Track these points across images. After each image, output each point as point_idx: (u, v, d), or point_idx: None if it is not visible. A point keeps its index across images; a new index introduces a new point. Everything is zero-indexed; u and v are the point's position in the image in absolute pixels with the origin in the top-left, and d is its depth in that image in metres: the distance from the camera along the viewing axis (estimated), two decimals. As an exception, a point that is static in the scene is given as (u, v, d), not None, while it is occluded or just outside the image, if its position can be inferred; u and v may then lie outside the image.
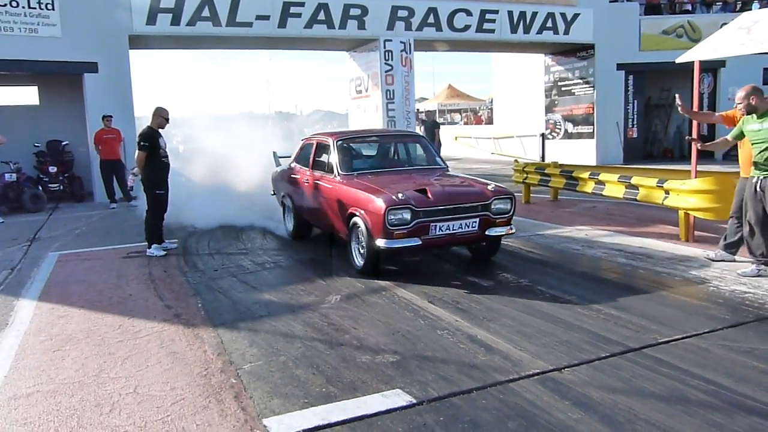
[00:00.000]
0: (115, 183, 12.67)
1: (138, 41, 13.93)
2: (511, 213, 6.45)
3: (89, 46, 13.01)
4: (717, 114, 5.84)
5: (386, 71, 15.56)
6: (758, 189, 5.78)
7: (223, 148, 11.67)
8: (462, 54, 34.09)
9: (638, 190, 8.33)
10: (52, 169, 13.38)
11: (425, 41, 16.45)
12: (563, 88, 19.22)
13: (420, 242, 5.97)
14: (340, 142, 7.48)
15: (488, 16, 16.26)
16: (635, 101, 18.63)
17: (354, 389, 3.76)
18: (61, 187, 13.50)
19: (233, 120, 14.97)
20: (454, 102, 32.78)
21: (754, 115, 5.81)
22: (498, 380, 3.81)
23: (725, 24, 8.24)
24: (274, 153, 9.48)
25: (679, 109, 6.82)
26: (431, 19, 15.77)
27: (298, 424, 3.36)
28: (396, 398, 3.61)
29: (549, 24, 16.94)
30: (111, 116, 12.64)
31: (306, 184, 7.73)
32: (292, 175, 8.37)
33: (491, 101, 27.68)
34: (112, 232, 9.67)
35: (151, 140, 7.48)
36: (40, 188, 12.97)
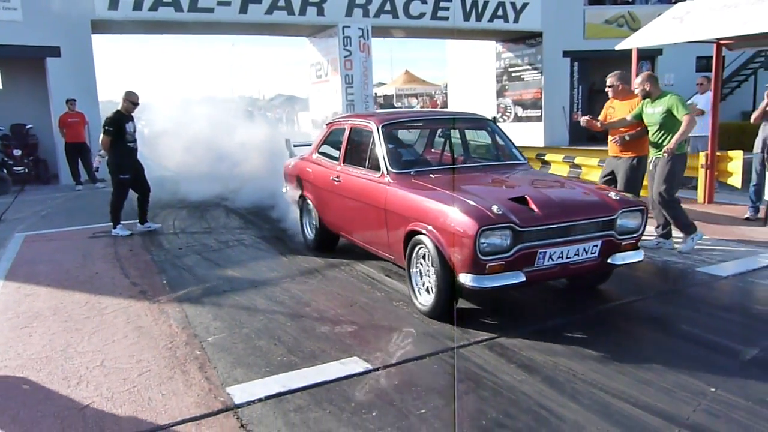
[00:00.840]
0: (81, 165, 12.34)
1: (101, 26, 13.47)
2: (641, 232, 4.43)
3: (51, 31, 12.53)
4: (625, 117, 5.84)
5: (345, 57, 15.44)
6: (651, 167, 6.01)
7: (189, 130, 11.51)
8: (418, 41, 34.12)
9: (581, 168, 8.52)
10: (17, 152, 12.92)
11: (383, 28, 16.35)
12: (513, 74, 19.36)
13: (524, 279, 3.96)
14: (387, 128, 5.33)
15: (442, 4, 16.22)
16: (580, 87, 18.90)
17: (314, 358, 3.79)
18: (26, 170, 13.05)
19: (197, 103, 14.78)
20: (411, 87, 32.75)
21: (649, 100, 5.94)
22: (449, 347, 3.88)
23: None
24: (288, 141, 7.42)
25: (582, 123, 6.62)
26: (388, 7, 15.67)
27: (261, 391, 3.37)
28: (353, 365, 3.65)
29: (500, 12, 17.00)
30: (75, 100, 12.26)
31: (336, 183, 5.64)
32: (315, 171, 6.23)
33: (446, 86, 27.76)
34: (78, 213, 9.43)
35: (116, 125, 7.23)
36: (5, 171, 12.54)
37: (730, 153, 7.91)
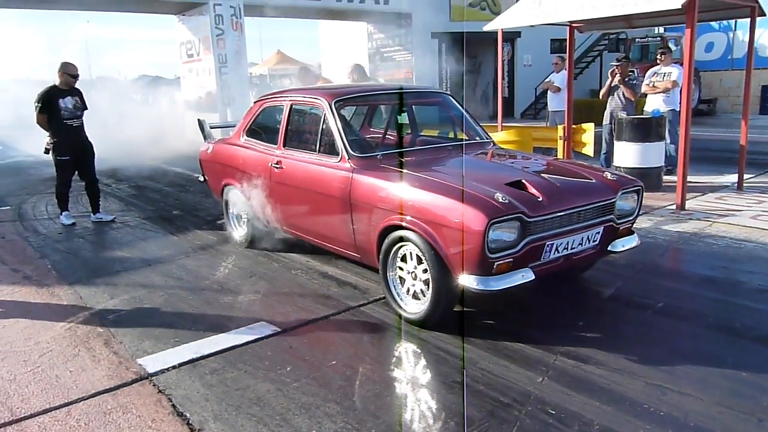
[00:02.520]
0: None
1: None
2: (636, 215, 4.08)
3: None
4: None
5: (218, 35, 15.05)
6: None
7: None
8: (290, 21, 33.64)
9: (455, 143, 9.03)
10: None
11: (255, 6, 16.09)
12: (385, 54, 19.83)
13: (533, 276, 3.44)
14: (341, 104, 4.55)
15: (314, -16, 16.26)
16: (447, 67, 19.75)
17: (221, 326, 3.88)
18: None
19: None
20: (284, 67, 32.28)
21: None
22: (351, 306, 4.13)
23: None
24: (201, 121, 6.25)
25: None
26: (260, -15, 15.46)
27: (173, 359, 3.42)
28: (262, 329, 3.79)
29: (370, -7, 17.34)
30: None
31: (276, 170, 4.82)
32: (245, 156, 5.29)
33: (320, 66, 27.74)
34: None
35: (45, 101, 6.43)
36: None
37: (583, 125, 8.74)
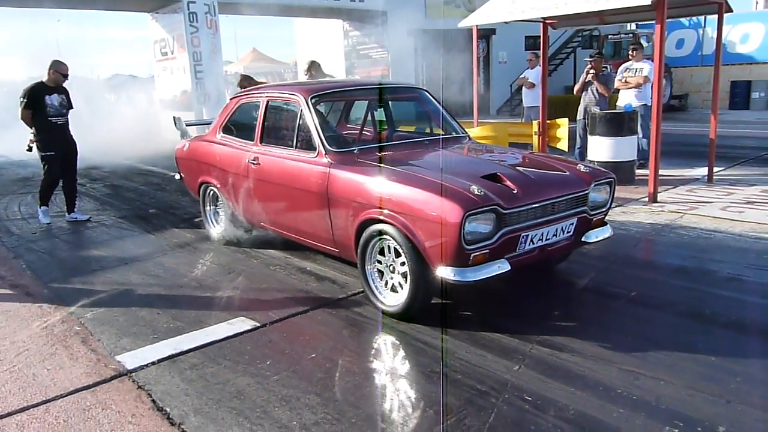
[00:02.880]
0: None
1: None
2: (609, 206, 4.17)
3: None
4: None
5: (192, 33, 14.92)
6: None
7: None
8: (265, 19, 33.46)
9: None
10: None
11: (229, 4, 15.97)
12: (361, 52, 19.83)
13: (509, 267, 3.50)
14: (317, 99, 4.57)
15: (290, -19, 16.20)
16: (423, 64, 19.80)
17: (200, 322, 3.88)
18: None
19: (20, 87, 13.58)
20: (259, 65, 32.17)
21: None
22: (329, 300, 4.16)
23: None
24: (177, 118, 6.20)
25: None
26: (234, -18, 15.36)
27: (152, 355, 3.42)
28: (241, 324, 3.80)
29: (346, -9, 17.33)
30: None
31: (253, 167, 4.82)
32: (222, 153, 5.29)
33: (295, 64, 27.66)
34: None
35: (31, 97, 6.35)
36: None
37: (558, 121, 8.86)
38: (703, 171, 7.85)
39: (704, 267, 4.60)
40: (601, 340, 3.36)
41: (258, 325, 3.78)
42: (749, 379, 2.93)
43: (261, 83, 7.44)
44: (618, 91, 8.84)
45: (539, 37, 9.16)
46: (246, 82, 7.62)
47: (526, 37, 19.89)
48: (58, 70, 6.52)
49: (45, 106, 6.43)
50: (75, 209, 6.92)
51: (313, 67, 7.57)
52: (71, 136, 6.75)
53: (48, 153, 6.56)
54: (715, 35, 7.74)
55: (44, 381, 3.19)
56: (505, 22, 8.19)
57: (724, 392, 2.82)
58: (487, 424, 2.63)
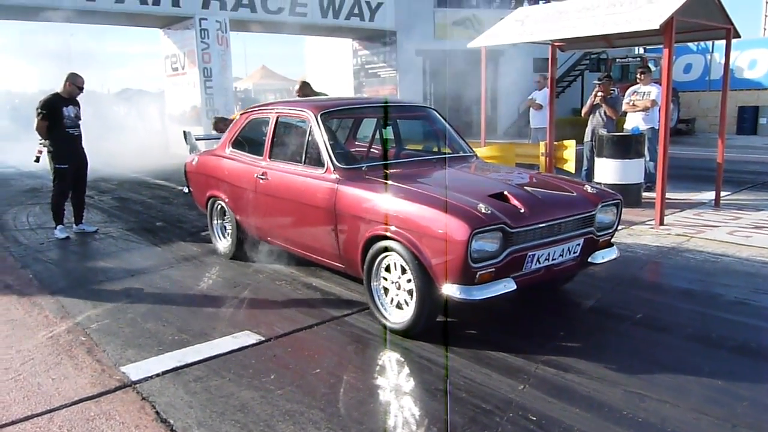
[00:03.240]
0: None
1: None
2: (616, 227, 4.18)
3: None
4: None
5: (203, 49, 15.11)
6: None
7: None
8: (276, 37, 33.83)
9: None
10: None
11: (240, 21, 16.19)
12: (370, 71, 20.01)
13: (515, 286, 3.51)
14: (326, 116, 4.62)
15: (300, 0, 16.41)
16: (432, 84, 19.96)
17: (205, 335, 3.89)
18: None
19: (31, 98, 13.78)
20: (268, 83, 32.51)
21: None
22: (335, 316, 4.16)
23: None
24: (187, 133, 6.33)
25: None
26: (246, 0, 15.57)
27: (156, 367, 3.43)
28: (246, 338, 3.81)
29: (356, 11, 17.51)
30: None
31: (262, 182, 4.84)
32: (231, 168, 5.33)
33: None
34: None
35: (50, 108, 6.38)
36: None
37: (565, 142, 8.90)
38: (710, 195, 7.85)
39: (711, 290, 4.58)
40: (606, 362, 3.35)
41: (263, 339, 3.79)
42: (756, 404, 2.91)
43: (320, 93, 7.71)
44: (626, 114, 8.88)
45: (547, 59, 9.23)
46: (307, 89, 7.73)
47: (534, 59, 20.01)
48: (75, 82, 6.61)
49: (63, 117, 6.48)
50: (83, 221, 6.97)
51: (305, 87, 7.76)
52: (83, 148, 6.81)
53: (62, 166, 6.57)
54: (722, 61, 7.78)
55: (49, 390, 3.20)
56: (514, 44, 8.26)
57: (730, 416, 2.80)
58: (491, 442, 2.62)
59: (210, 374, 3.34)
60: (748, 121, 18.21)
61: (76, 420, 2.90)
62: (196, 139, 6.34)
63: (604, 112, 8.61)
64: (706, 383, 3.12)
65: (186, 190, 6.32)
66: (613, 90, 8.89)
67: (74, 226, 6.92)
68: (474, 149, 5.31)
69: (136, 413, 2.95)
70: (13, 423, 2.90)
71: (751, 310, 4.16)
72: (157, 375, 3.34)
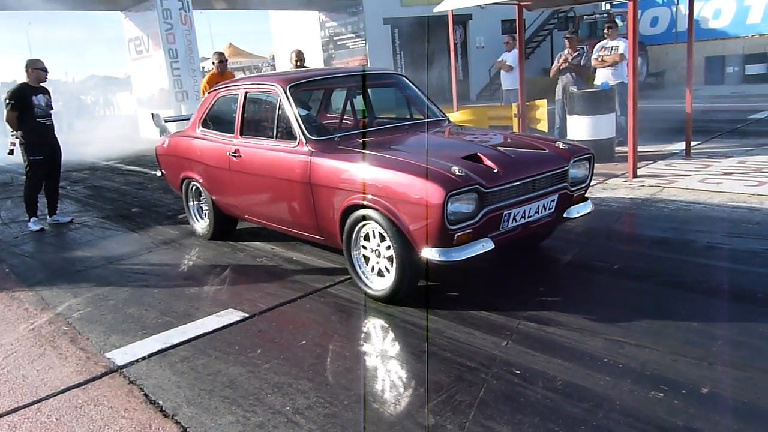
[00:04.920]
0: None
1: None
2: (589, 181, 4.18)
3: None
4: None
5: (167, 30, 14.77)
6: None
7: None
8: (240, 14, 33.09)
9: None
10: None
11: (203, -1, 15.87)
12: (339, 42, 19.74)
13: (493, 245, 3.53)
14: (295, 89, 4.53)
15: (262, -26, 16.09)
16: (402, 52, 19.78)
17: (189, 315, 3.88)
18: None
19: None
20: (237, 60, 31.86)
21: None
22: (317, 288, 4.17)
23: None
24: (155, 115, 6.21)
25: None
26: (207, -23, 15.23)
27: (142, 351, 3.42)
28: (230, 316, 3.81)
29: (320, -18, 17.24)
30: None
31: (235, 159, 4.78)
32: (203, 147, 5.24)
33: (273, 58, 27.49)
34: None
35: (18, 98, 6.19)
36: None
37: (537, 102, 8.91)
38: (680, 145, 7.94)
39: (684, 237, 4.67)
40: (586, 313, 3.42)
41: (247, 315, 3.79)
42: (729, 342, 3.00)
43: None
44: (595, 70, 8.90)
45: (515, 20, 9.18)
46: (302, 56, 7.88)
47: (502, 21, 19.89)
48: (36, 66, 6.40)
49: (33, 106, 6.28)
50: (57, 212, 6.86)
51: (300, 54, 7.71)
52: (56, 137, 6.65)
53: (36, 158, 6.40)
54: (687, 12, 7.80)
55: (34, 381, 3.18)
56: (481, 7, 8.22)
57: (707, 355, 2.88)
58: (477, 398, 2.67)
59: (196, 354, 3.34)
60: (715, 70, 18.33)
61: (64, 408, 2.90)
62: (165, 121, 6.20)
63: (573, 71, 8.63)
64: (683, 326, 3.20)
65: (159, 173, 6.22)
66: (581, 47, 8.89)
67: (48, 217, 6.80)
68: (447, 114, 5.30)
69: (125, 397, 2.95)
70: (0, 416, 2.89)
71: (722, 253, 4.25)
72: (143, 358, 3.34)
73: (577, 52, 8.65)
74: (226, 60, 8.29)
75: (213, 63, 8.11)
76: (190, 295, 4.26)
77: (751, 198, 5.43)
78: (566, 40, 8.64)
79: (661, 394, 2.58)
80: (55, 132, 6.64)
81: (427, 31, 17.54)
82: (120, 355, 3.39)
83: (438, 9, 8.53)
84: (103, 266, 5.09)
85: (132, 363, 3.29)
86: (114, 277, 4.78)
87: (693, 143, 7.82)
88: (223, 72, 8.05)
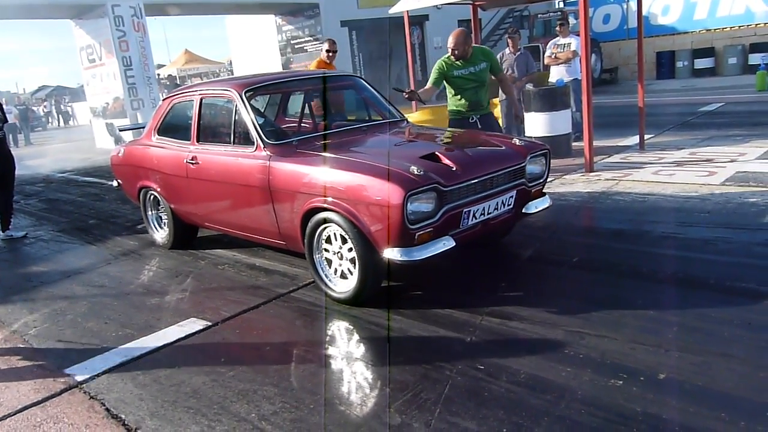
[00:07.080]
0: None
1: None
2: (546, 177, 4.27)
3: None
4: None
5: (119, 38, 14.49)
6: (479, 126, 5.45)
7: None
8: (195, 19, 32.67)
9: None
10: None
11: (156, 5, 15.61)
12: (296, 46, 19.65)
13: (454, 243, 3.57)
14: (251, 93, 4.48)
15: (216, -22, 15.92)
16: (360, 54, 19.81)
17: (150, 327, 3.81)
18: None
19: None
20: (194, 66, 31.47)
21: (459, 61, 5.27)
22: (281, 293, 4.15)
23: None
24: (109, 125, 6.07)
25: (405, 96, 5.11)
26: (159, -17, 15.00)
27: (102, 365, 3.35)
28: (192, 325, 3.76)
29: (275, -15, 17.13)
30: None
31: (192, 167, 4.71)
32: (159, 156, 5.16)
33: (230, 63, 27.22)
34: None
35: None
36: None
37: (494, 100, 9.03)
38: (634, 139, 8.14)
39: (640, 228, 4.79)
40: (547, 306, 3.48)
41: (210, 324, 3.75)
42: (684, 328, 3.09)
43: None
44: (548, 67, 9.05)
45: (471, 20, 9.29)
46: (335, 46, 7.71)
47: (459, 21, 20.09)
48: None
49: None
50: (10, 226, 6.66)
51: (333, 44, 7.74)
52: (9, 149, 6.45)
53: None
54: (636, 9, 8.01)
55: (-10, 402, 3.09)
56: (437, 7, 8.28)
57: (663, 342, 2.96)
58: (442, 395, 2.69)
59: (158, 365, 3.29)
60: (665, 65, 18.82)
61: (21, 428, 2.82)
62: (120, 130, 6.11)
63: (514, 67, 8.59)
64: (640, 315, 3.29)
65: (115, 184, 6.10)
66: (521, 48, 8.93)
67: (1, 232, 6.60)
68: (406, 114, 5.32)
69: (85, 413, 2.89)
70: (-46, 439, 2.80)
71: (676, 242, 4.37)
72: (104, 372, 3.27)
73: (519, 52, 8.71)
74: (336, 51, 7.87)
75: (325, 51, 7.75)
76: (151, 306, 4.19)
77: (702, 188, 5.61)
78: (508, 39, 8.74)
79: (621, 382, 2.64)
80: (8, 144, 6.44)
81: (388, 32, 17.62)
82: (79, 371, 3.31)
83: (393, 10, 8.57)
84: (60, 281, 4.97)
85: (92, 378, 3.22)
86: (71, 292, 4.67)
87: (646, 136, 8.02)
88: (331, 62, 7.80)
